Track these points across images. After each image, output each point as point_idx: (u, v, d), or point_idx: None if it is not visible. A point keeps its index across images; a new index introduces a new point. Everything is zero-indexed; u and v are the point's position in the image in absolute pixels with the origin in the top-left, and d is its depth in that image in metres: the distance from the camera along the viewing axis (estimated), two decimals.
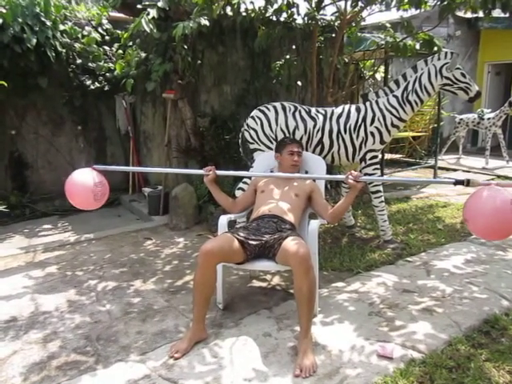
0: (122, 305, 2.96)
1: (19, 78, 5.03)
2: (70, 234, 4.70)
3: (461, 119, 8.32)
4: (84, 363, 2.30)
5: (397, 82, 3.78)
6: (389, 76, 6.39)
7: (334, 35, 5.12)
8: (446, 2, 4.07)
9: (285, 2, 4.39)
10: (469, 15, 7.87)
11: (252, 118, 3.78)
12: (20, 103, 5.39)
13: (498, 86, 10.00)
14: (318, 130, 3.71)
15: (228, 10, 4.52)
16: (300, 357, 2.21)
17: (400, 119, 3.75)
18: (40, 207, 5.50)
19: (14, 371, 2.24)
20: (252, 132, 3.76)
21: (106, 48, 5.78)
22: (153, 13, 3.87)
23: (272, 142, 3.61)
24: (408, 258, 3.64)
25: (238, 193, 3.70)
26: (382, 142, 3.79)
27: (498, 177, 6.88)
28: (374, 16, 5.07)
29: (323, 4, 4.72)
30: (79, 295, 3.11)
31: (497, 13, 4.53)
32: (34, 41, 4.67)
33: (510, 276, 3.23)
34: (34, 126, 5.59)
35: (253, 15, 4.60)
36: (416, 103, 3.70)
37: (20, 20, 4.62)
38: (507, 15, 4.05)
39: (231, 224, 3.02)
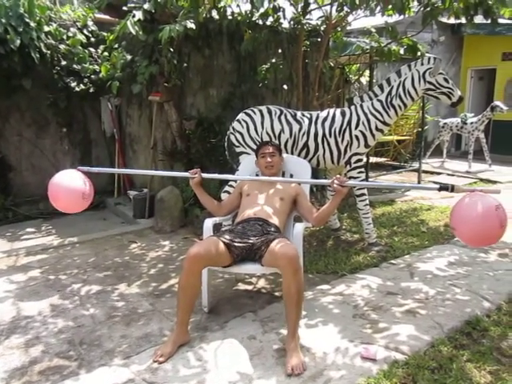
0: (106, 309, 2.93)
1: (2, 79, 4.95)
2: (54, 237, 4.63)
3: (445, 123, 8.44)
4: (67, 368, 2.28)
5: (381, 87, 3.82)
6: (374, 80, 6.45)
7: (319, 39, 5.16)
8: (429, 8, 4.14)
9: (271, 6, 4.42)
10: (452, 21, 7.98)
11: (238, 121, 3.79)
12: (3, 105, 5.31)
13: (481, 91, 10.17)
14: (304, 134, 3.73)
15: (214, 13, 4.53)
16: (289, 356, 2.23)
17: (384, 123, 3.79)
18: (23, 210, 5.41)
19: None
20: (238, 135, 3.77)
21: (92, 50, 5.73)
22: (139, 15, 3.85)
23: None
24: (392, 261, 3.67)
25: (223, 196, 3.71)
26: (366, 145, 3.83)
27: (481, 180, 7.00)
28: (360, 21, 5.14)
29: (309, 8, 4.76)
30: (62, 299, 3.08)
31: (479, 19, 4.61)
32: (18, 42, 4.60)
33: (492, 278, 3.29)
34: (18, 128, 5.51)
35: (239, 19, 4.62)
36: (400, 107, 3.75)
37: (3, 21, 4.55)
38: (489, 21, 4.12)
39: (217, 227, 3.01)
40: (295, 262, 2.33)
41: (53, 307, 2.96)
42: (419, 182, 6.84)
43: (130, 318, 2.79)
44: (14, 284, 3.35)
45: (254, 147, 3.64)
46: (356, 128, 3.76)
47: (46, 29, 5.12)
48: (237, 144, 3.80)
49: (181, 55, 4.91)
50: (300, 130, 3.72)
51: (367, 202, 3.95)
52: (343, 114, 3.80)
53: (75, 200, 2.64)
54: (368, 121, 3.76)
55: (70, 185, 2.62)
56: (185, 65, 4.99)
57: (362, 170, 3.92)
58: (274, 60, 5.05)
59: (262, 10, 4.46)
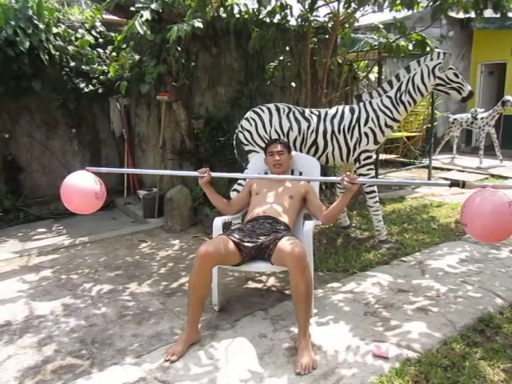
0: (118, 308, 2.95)
1: (12, 81, 5.01)
2: (65, 237, 4.67)
3: (454, 119, 8.36)
4: (79, 367, 2.29)
5: (390, 83, 3.79)
6: (382, 76, 6.41)
7: (327, 36, 5.13)
8: (438, 3, 4.09)
9: (278, 4, 4.40)
10: (461, 16, 7.90)
11: (246, 119, 3.79)
12: (13, 106, 5.36)
13: (491, 86, 10.06)
14: (312, 131, 3.71)
15: (221, 12, 4.53)
16: (299, 354, 2.23)
17: (394, 119, 3.76)
18: (34, 211, 5.47)
19: (8, 376, 2.23)
20: (246, 133, 3.76)
21: (100, 50, 5.76)
22: (146, 15, 3.86)
23: None
24: (403, 258, 3.65)
25: (232, 194, 3.71)
26: (375, 142, 3.80)
27: (492, 176, 6.92)
28: (368, 17, 5.11)
29: (316, 5, 4.73)
30: (74, 299, 3.10)
31: (489, 13, 4.56)
32: (27, 44, 4.64)
33: (504, 274, 3.25)
34: (28, 130, 5.56)
35: (246, 17, 4.61)
36: (409, 103, 3.72)
37: (12, 23, 4.60)
38: (498, 15, 4.07)
39: (227, 225, 3.01)
40: (302, 260, 2.33)
41: (65, 306, 2.98)
42: (429, 179, 6.78)
43: (141, 317, 2.80)
44: (27, 284, 3.39)
45: (263, 145, 3.64)
46: (365, 125, 3.73)
47: (55, 30, 5.16)
48: (245, 142, 3.80)
49: (188, 54, 4.91)
50: (309, 128, 3.71)
51: (377, 199, 3.93)
52: (352, 111, 3.78)
53: (89, 200, 2.65)
54: (377, 117, 3.73)
55: (82, 186, 2.63)
56: (193, 64, 4.99)
57: (372, 167, 3.90)
58: (281, 58, 5.04)
59: (269, 8, 4.45)
